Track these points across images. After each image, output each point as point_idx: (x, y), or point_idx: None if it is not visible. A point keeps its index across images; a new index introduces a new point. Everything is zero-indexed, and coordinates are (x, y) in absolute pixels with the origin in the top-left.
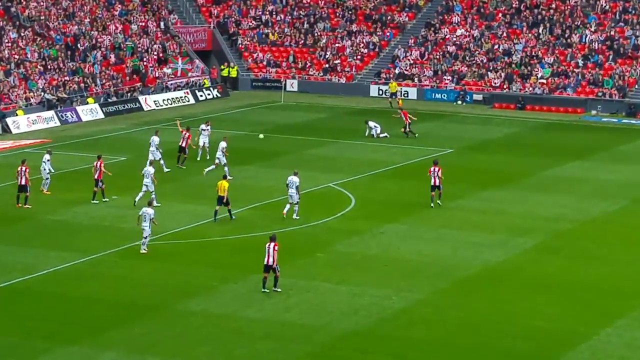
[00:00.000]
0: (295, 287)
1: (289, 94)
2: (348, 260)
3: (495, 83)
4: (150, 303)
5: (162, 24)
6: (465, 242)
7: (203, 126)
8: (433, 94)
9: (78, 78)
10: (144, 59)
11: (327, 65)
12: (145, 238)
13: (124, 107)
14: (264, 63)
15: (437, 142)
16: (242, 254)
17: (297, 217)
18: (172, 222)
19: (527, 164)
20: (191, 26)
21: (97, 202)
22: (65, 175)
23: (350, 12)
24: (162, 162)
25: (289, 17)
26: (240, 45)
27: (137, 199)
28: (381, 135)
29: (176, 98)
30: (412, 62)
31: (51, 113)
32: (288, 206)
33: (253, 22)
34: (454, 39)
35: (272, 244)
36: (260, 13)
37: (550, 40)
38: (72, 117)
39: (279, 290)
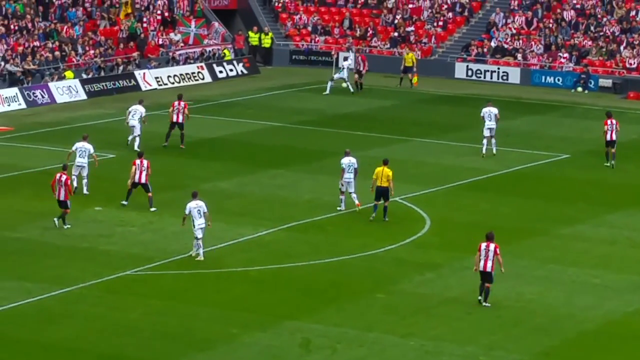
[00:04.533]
0: (344, 340)
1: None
2: (419, 305)
3: (630, 64)
4: (145, 356)
5: None
6: (585, 284)
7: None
8: (543, 77)
9: (52, 44)
10: (144, 20)
11: (395, 34)
12: (198, 240)
13: (114, 85)
14: (309, 29)
15: (548, 143)
16: (272, 291)
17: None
18: (174, 244)
19: None
20: None
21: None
22: (31, 177)
23: None
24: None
25: None
26: (277, 4)
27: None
28: (344, 85)
29: (186, 74)
30: (514, 32)
31: (14, 91)
32: (342, 198)
33: None
34: (574, 1)
35: (493, 245)
36: None
37: None
38: (43, 97)
39: (488, 305)
